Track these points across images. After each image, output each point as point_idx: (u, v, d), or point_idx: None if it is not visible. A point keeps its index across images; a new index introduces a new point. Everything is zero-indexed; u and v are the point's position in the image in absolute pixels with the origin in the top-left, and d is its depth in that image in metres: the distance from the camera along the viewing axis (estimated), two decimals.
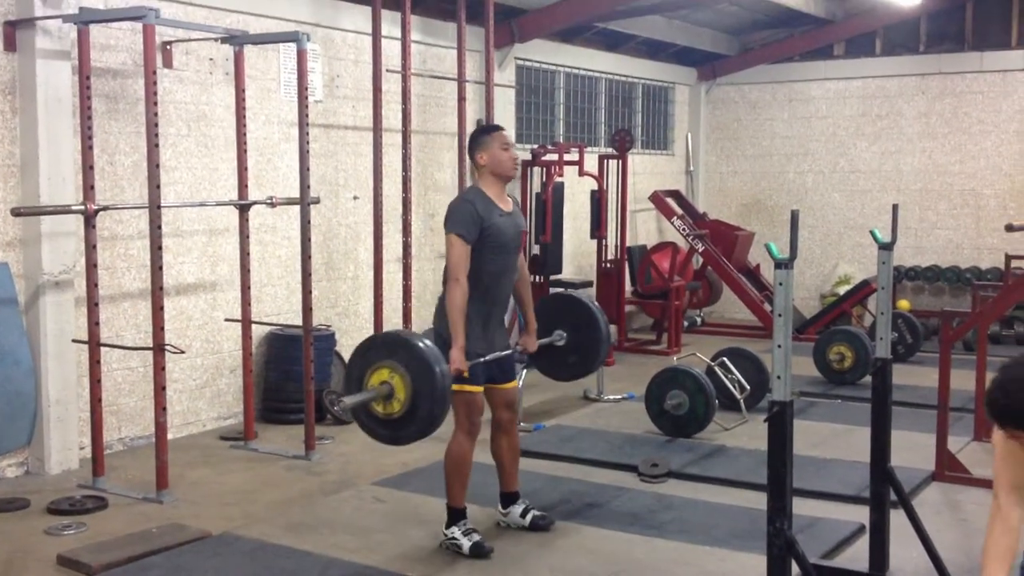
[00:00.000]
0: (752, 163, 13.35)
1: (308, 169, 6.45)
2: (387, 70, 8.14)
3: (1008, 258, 10.50)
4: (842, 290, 11.88)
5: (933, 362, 6.79)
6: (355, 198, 8.39)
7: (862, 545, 4.80)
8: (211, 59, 7.17)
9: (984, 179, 11.92)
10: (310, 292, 6.56)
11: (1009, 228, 9.74)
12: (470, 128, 8.89)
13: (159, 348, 5.64)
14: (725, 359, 7.59)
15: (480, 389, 4.86)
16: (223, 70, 7.19)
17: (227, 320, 7.15)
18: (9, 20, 5.96)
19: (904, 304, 11.47)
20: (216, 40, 6.85)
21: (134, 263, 6.68)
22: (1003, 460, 3.05)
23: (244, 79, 6.65)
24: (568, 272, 10.69)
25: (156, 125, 5.59)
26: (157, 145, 5.61)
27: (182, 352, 6.20)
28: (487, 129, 5.04)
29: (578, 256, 11.10)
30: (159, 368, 5.66)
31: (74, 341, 6.11)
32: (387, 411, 4.36)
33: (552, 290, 9.94)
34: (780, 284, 3.32)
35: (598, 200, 10.37)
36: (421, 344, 4.35)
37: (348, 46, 8.32)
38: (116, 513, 5.43)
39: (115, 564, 4.65)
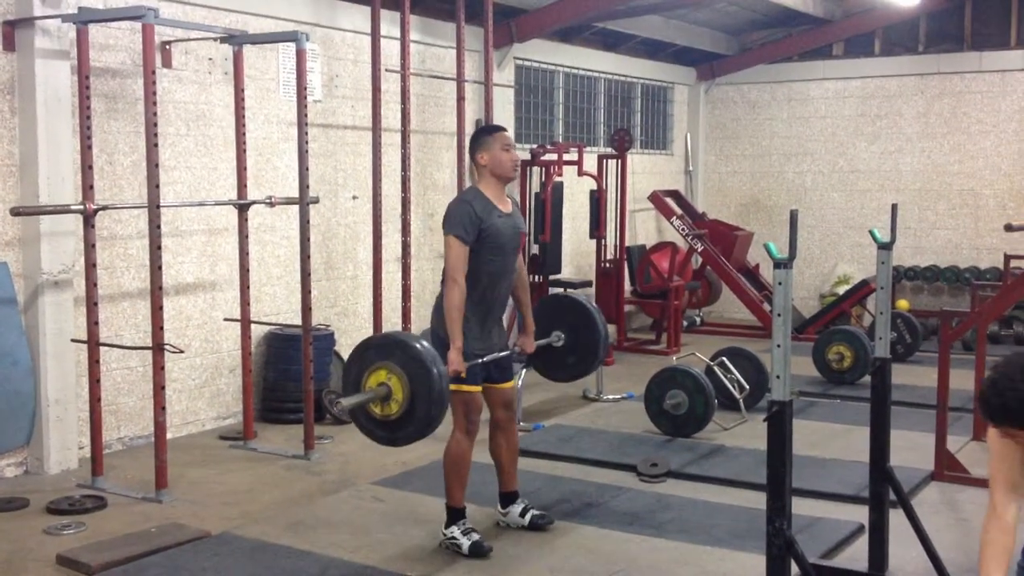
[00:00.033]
0: (751, 163, 13.35)
1: (307, 169, 6.45)
2: (386, 70, 8.14)
3: (1007, 258, 10.50)
4: (841, 290, 11.88)
5: (932, 362, 6.80)
6: (354, 198, 8.39)
7: (861, 545, 4.80)
8: (210, 59, 7.17)
9: (983, 179, 11.93)
10: (309, 292, 6.56)
11: (1008, 228, 9.75)
12: (469, 128, 8.91)
13: (158, 348, 5.64)
14: (724, 359, 7.60)
15: (478, 389, 4.86)
16: (222, 70, 7.19)
17: (226, 320, 7.15)
18: (8, 20, 5.96)
19: (903, 304, 11.48)
20: (215, 40, 6.85)
21: (133, 263, 6.68)
22: (998, 459, 3.05)
23: (243, 79, 6.65)
24: (567, 272, 10.69)
25: (155, 125, 5.59)
26: (156, 145, 5.61)
27: (181, 352, 6.21)
28: (489, 129, 5.04)
29: (577, 256, 11.10)
30: (158, 368, 5.66)
31: (73, 341, 6.11)
32: (385, 412, 4.36)
33: (551, 290, 9.94)
34: (779, 284, 3.32)
35: (597, 200, 10.37)
36: (418, 345, 4.35)
37: (347, 46, 8.32)
38: (115, 513, 5.42)
39: (114, 564, 4.65)
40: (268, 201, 6.85)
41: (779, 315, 3.33)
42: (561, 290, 10.00)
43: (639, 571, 4.68)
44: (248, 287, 6.75)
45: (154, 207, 5.61)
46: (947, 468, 5.99)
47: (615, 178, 10.71)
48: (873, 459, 4.40)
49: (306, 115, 6.42)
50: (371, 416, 4.41)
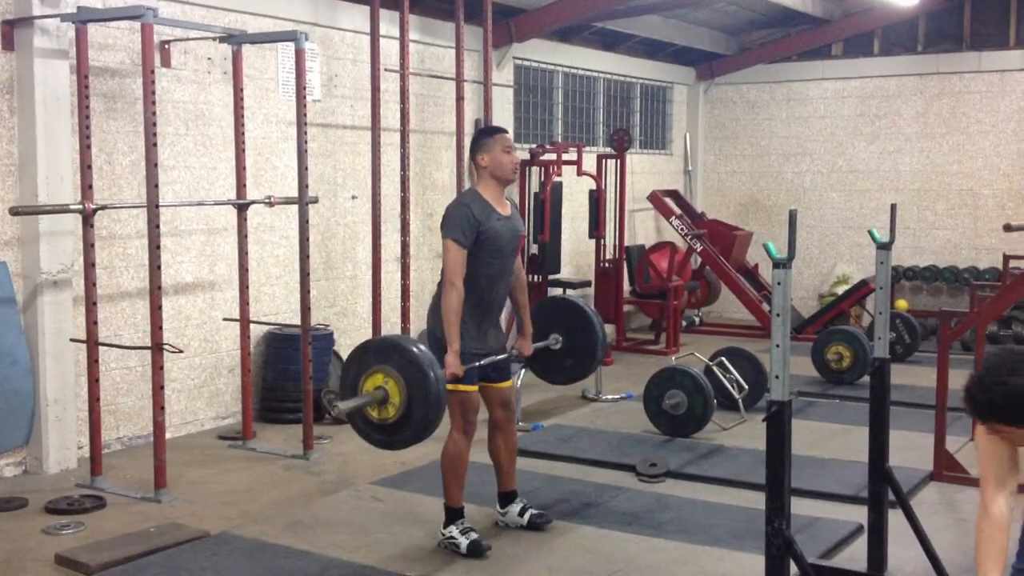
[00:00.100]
0: (750, 163, 13.36)
1: (306, 168, 6.45)
2: (385, 69, 8.14)
3: (1006, 258, 10.51)
4: (840, 290, 11.88)
5: (931, 362, 6.79)
6: (353, 197, 8.39)
7: (860, 545, 4.80)
8: (209, 58, 7.17)
9: (982, 179, 11.93)
10: (308, 291, 6.55)
11: (1007, 228, 9.75)
12: (468, 128, 8.93)
13: (157, 347, 5.64)
14: (723, 359, 7.60)
15: (474, 388, 4.86)
16: (221, 69, 7.19)
17: (225, 319, 7.15)
18: (7, 19, 5.96)
19: (902, 304, 11.48)
20: (214, 39, 6.85)
21: (132, 262, 6.68)
22: (987, 456, 3.05)
23: (242, 78, 6.65)
24: (566, 272, 10.69)
25: (154, 124, 5.59)
26: (155, 144, 5.60)
27: (180, 351, 6.20)
28: (489, 131, 5.03)
29: (576, 256, 11.10)
30: (157, 367, 5.66)
31: (72, 340, 6.11)
32: (382, 416, 4.37)
33: (550, 290, 9.95)
34: (778, 284, 3.32)
35: (596, 200, 10.37)
36: (415, 349, 4.35)
37: (346, 45, 8.32)
38: (114, 512, 5.42)
39: (113, 563, 4.65)
40: (267, 201, 6.85)
41: (778, 315, 3.33)
42: (560, 290, 10.01)
43: (638, 571, 4.68)
44: (247, 287, 6.75)
45: (153, 207, 5.61)
46: (946, 468, 6.00)
47: (614, 178, 10.71)
48: (872, 459, 4.40)
49: (305, 115, 6.42)
50: (368, 420, 4.41)
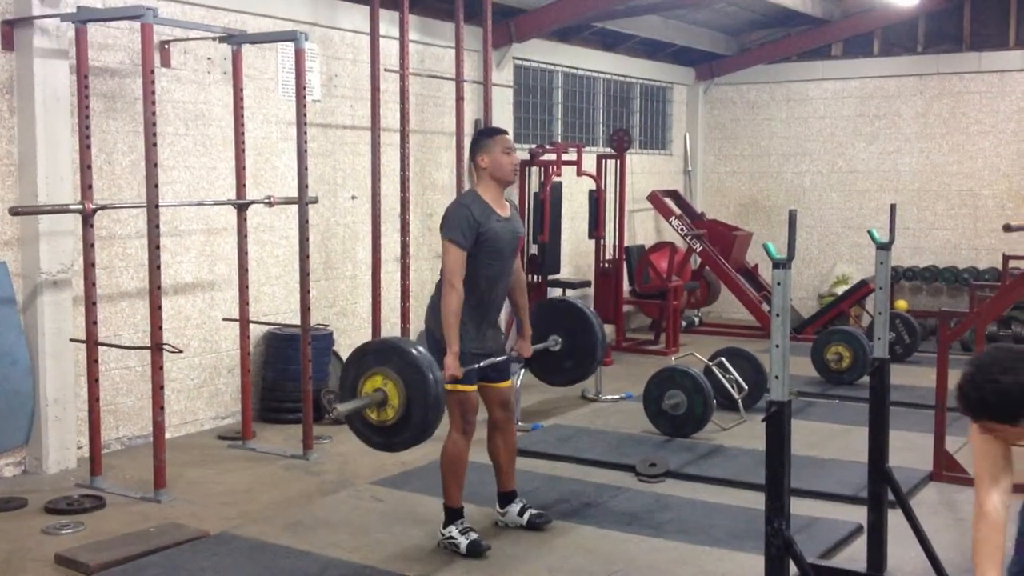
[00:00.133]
0: (750, 163, 13.36)
1: (306, 168, 6.45)
2: (385, 69, 8.14)
3: (1006, 258, 10.52)
4: (840, 290, 11.88)
5: (931, 362, 6.79)
6: (353, 198, 8.39)
7: (860, 545, 4.81)
8: (209, 58, 7.17)
9: (982, 179, 11.93)
10: (308, 291, 6.55)
11: (1007, 228, 9.76)
12: (468, 128, 8.93)
13: (157, 347, 5.64)
14: (723, 359, 7.60)
15: (473, 388, 4.86)
16: (221, 69, 7.19)
17: (225, 319, 7.15)
18: (7, 19, 5.96)
19: (902, 304, 11.48)
20: (214, 39, 6.85)
21: (132, 262, 6.68)
22: (981, 456, 3.05)
23: (242, 78, 6.65)
24: (566, 272, 10.69)
25: (154, 124, 5.59)
26: (155, 144, 5.60)
27: (180, 351, 6.20)
28: (489, 132, 5.03)
29: (576, 256, 11.10)
30: (157, 367, 5.66)
31: (72, 340, 6.11)
32: (381, 418, 4.37)
33: (550, 290, 9.95)
34: (778, 284, 3.32)
35: (596, 200, 10.37)
36: (414, 351, 4.36)
37: (346, 45, 8.32)
38: (114, 512, 5.42)
39: (113, 563, 4.65)
40: (267, 201, 6.85)
41: (778, 315, 3.33)
42: (560, 290, 10.01)
43: (638, 571, 4.68)
44: (247, 287, 6.75)
45: (153, 207, 5.61)
46: (946, 468, 6.00)
47: (614, 178, 10.72)
48: (872, 459, 4.40)
49: (305, 115, 6.42)
50: (367, 422, 4.41)
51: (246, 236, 6.73)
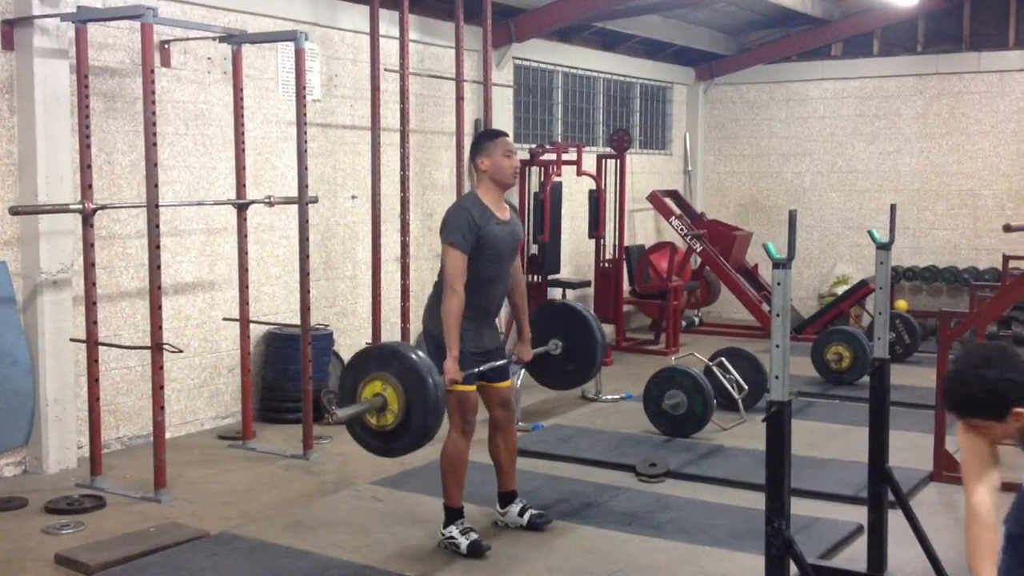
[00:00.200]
0: (750, 163, 13.36)
1: (306, 168, 6.45)
2: (385, 69, 8.14)
3: (1006, 258, 10.52)
4: (840, 290, 11.89)
5: (931, 362, 6.80)
6: (353, 197, 8.39)
7: (860, 545, 4.80)
8: (209, 58, 7.16)
9: (982, 179, 11.93)
10: (308, 291, 6.55)
11: (1007, 228, 9.77)
12: (468, 128, 8.93)
13: (157, 347, 5.64)
14: (723, 359, 7.60)
15: (472, 388, 4.86)
16: (221, 69, 7.19)
17: (225, 319, 7.15)
18: (7, 19, 5.96)
19: (902, 304, 11.48)
20: (214, 39, 6.85)
21: (132, 262, 6.68)
22: (968, 456, 3.06)
23: (242, 78, 6.65)
24: (566, 272, 10.69)
25: (154, 124, 5.59)
26: (155, 144, 5.60)
27: (180, 351, 6.20)
28: (490, 134, 5.02)
29: (576, 256, 11.10)
30: (157, 367, 5.66)
31: (72, 340, 6.11)
32: (381, 423, 4.38)
33: (550, 290, 9.95)
34: (778, 284, 3.32)
35: (596, 200, 10.37)
36: (414, 356, 4.36)
37: (346, 45, 8.32)
38: (114, 512, 5.42)
39: (113, 563, 4.65)
40: (267, 201, 6.85)
41: (778, 315, 3.33)
42: (560, 290, 10.01)
43: (638, 571, 4.68)
44: (247, 287, 6.75)
45: (153, 206, 5.61)
46: (946, 469, 6.00)
47: (614, 178, 10.71)
48: (872, 459, 4.40)
49: (305, 114, 6.42)
50: (367, 427, 4.42)
51: (246, 236, 6.73)
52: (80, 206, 5.76)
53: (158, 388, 5.67)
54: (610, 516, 5.38)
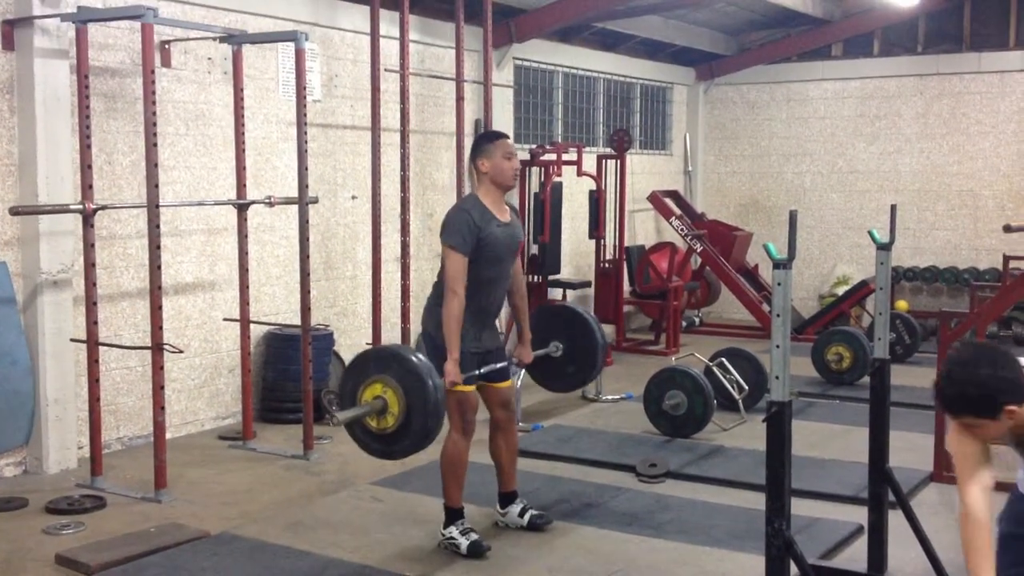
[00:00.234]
0: (750, 163, 13.36)
1: (306, 169, 6.45)
2: (385, 70, 8.14)
3: (1006, 259, 10.52)
4: (840, 290, 11.88)
5: (931, 363, 6.81)
6: (353, 198, 8.39)
7: (860, 545, 4.80)
8: (209, 58, 7.17)
9: (982, 180, 11.93)
10: (308, 292, 6.55)
11: (1007, 229, 9.76)
12: (468, 128, 8.93)
13: (157, 347, 5.64)
14: (723, 359, 7.60)
15: (472, 388, 4.86)
16: (221, 69, 7.19)
17: (225, 320, 7.15)
18: (7, 19, 5.96)
19: (902, 304, 11.48)
20: (214, 39, 6.85)
21: (132, 262, 6.68)
22: (961, 457, 3.06)
23: (242, 78, 6.65)
24: (566, 272, 10.69)
25: (154, 124, 5.59)
26: (155, 144, 5.60)
27: (180, 352, 6.20)
28: (490, 136, 5.01)
29: (576, 256, 11.10)
30: (157, 367, 5.66)
31: (72, 340, 6.11)
32: (381, 426, 4.38)
33: (550, 290, 9.95)
34: (778, 284, 3.32)
35: (596, 200, 10.37)
36: (414, 358, 4.36)
37: (346, 45, 8.32)
38: (114, 513, 5.42)
39: (113, 563, 4.65)
40: (267, 201, 6.85)
41: (778, 316, 3.33)
42: (560, 290, 10.01)
43: (638, 571, 4.68)
44: (247, 287, 6.75)
45: (153, 207, 5.61)
46: (946, 469, 5.99)
47: (614, 178, 10.71)
48: (872, 460, 4.40)
49: (305, 115, 6.42)
50: (367, 429, 4.43)
51: (246, 236, 6.73)
52: (80, 206, 5.76)
53: (158, 388, 5.67)
54: (610, 516, 5.38)
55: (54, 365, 6.08)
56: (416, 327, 8.03)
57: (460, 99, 8.67)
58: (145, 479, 5.83)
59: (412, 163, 8.43)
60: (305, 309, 6.53)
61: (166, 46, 6.84)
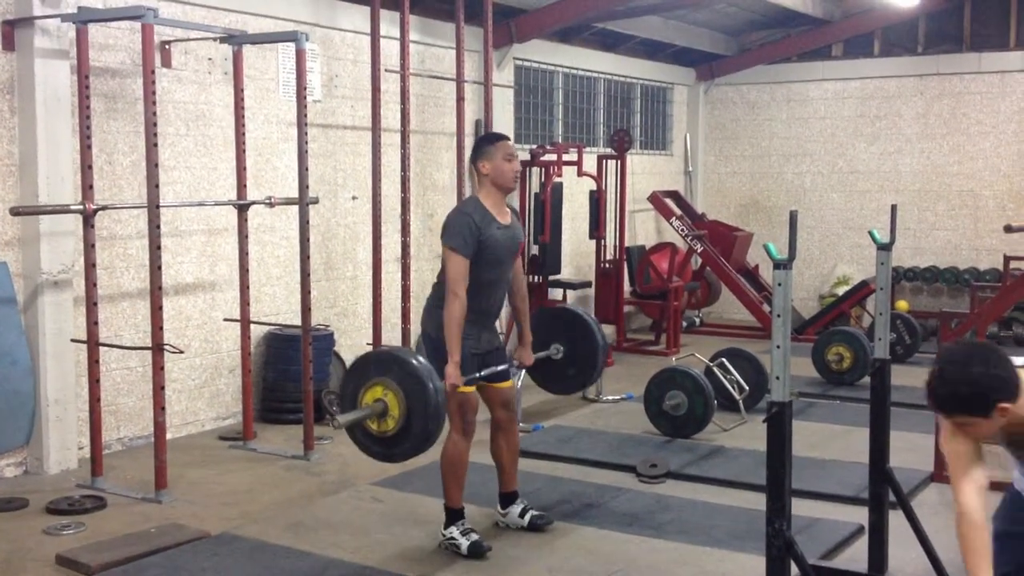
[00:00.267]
0: (750, 163, 13.36)
1: (307, 169, 6.45)
2: (386, 70, 8.14)
3: (1006, 259, 10.52)
4: (841, 291, 11.88)
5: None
6: (354, 198, 8.39)
7: (861, 546, 4.80)
8: (210, 59, 7.17)
9: (982, 180, 11.93)
10: (309, 292, 6.56)
11: (1007, 229, 9.75)
12: (469, 128, 8.93)
13: (158, 348, 5.64)
14: (724, 360, 7.60)
15: (472, 388, 4.85)
16: (222, 70, 7.19)
17: (226, 320, 7.15)
18: (8, 19, 5.96)
19: (902, 305, 11.48)
20: (215, 40, 6.85)
21: (133, 263, 6.68)
22: (954, 457, 3.07)
23: (243, 79, 6.65)
24: (567, 273, 10.69)
25: (155, 125, 5.59)
26: (156, 145, 5.61)
27: (181, 352, 6.20)
28: (491, 138, 5.01)
29: (577, 256, 11.10)
30: (158, 368, 5.66)
31: (73, 341, 6.11)
32: (381, 429, 4.39)
33: (551, 290, 9.95)
34: (779, 285, 3.32)
35: (597, 200, 10.37)
36: (414, 361, 4.36)
37: (347, 46, 8.32)
38: (115, 513, 5.42)
39: (114, 564, 4.65)
40: (268, 201, 6.85)
41: (779, 316, 3.33)
42: (560, 291, 10.01)
43: (638, 571, 4.68)
44: (248, 287, 6.75)
45: (154, 207, 5.61)
46: (946, 469, 5.97)
47: (615, 179, 10.71)
48: (872, 460, 4.40)
49: (306, 115, 6.42)
50: (368, 432, 4.43)
51: (247, 236, 6.73)
52: (81, 207, 5.76)
53: (159, 389, 5.68)
54: (611, 517, 5.39)
55: (54, 365, 6.08)
56: (416, 327, 8.03)
57: (460, 99, 8.67)
58: (145, 479, 5.83)
59: (412, 163, 8.43)
60: (305, 309, 6.53)
61: (166, 46, 6.85)
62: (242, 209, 6.71)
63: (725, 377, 7.47)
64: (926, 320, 10.63)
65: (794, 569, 3.45)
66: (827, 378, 8.70)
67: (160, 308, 5.65)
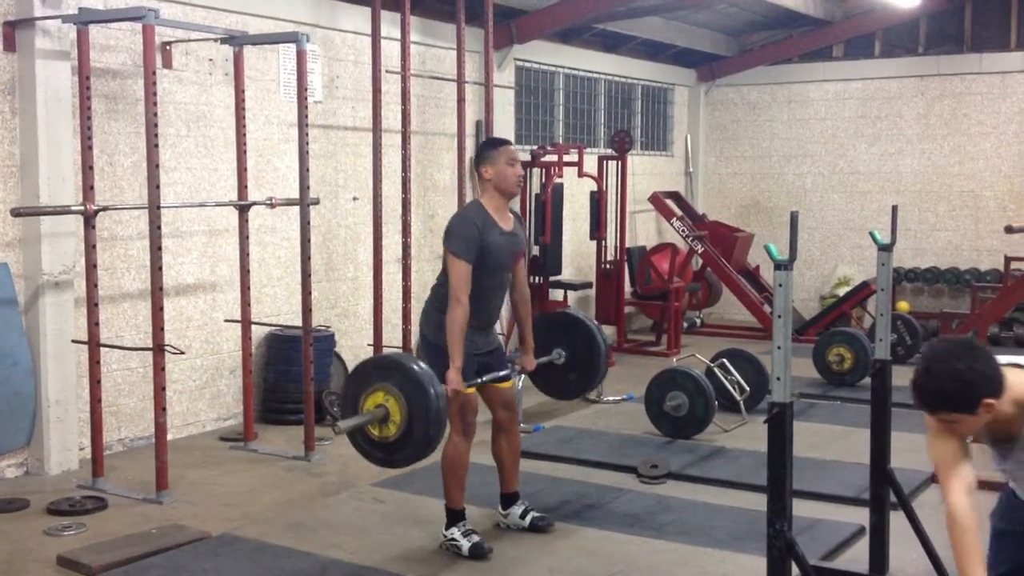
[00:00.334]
0: (751, 164, 13.36)
1: (308, 170, 6.45)
2: (386, 71, 8.14)
3: (1007, 260, 10.53)
4: (842, 291, 11.88)
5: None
6: (355, 199, 8.39)
7: (862, 547, 4.80)
8: (211, 59, 7.17)
9: (983, 181, 11.93)
10: (310, 293, 6.56)
11: (1008, 230, 9.77)
12: (470, 129, 8.94)
13: (159, 349, 5.64)
14: (724, 360, 7.60)
15: (472, 390, 4.85)
16: (223, 71, 7.19)
17: (227, 321, 7.15)
18: (9, 20, 5.96)
19: (903, 305, 11.48)
20: (215, 40, 6.85)
21: (134, 263, 6.68)
22: (940, 456, 3.06)
23: (243, 80, 6.65)
24: (567, 273, 10.69)
25: (156, 125, 5.60)
26: (157, 145, 5.61)
27: (182, 353, 6.20)
28: (493, 143, 5.01)
29: (577, 257, 11.10)
30: (159, 369, 5.66)
31: (74, 341, 6.11)
32: (383, 434, 4.37)
33: (551, 291, 9.95)
34: (780, 285, 3.32)
35: (597, 201, 10.38)
36: (415, 367, 4.36)
37: (347, 47, 8.33)
38: (116, 514, 5.42)
39: (115, 565, 4.65)
40: (269, 202, 6.85)
41: (779, 317, 3.33)
42: (561, 291, 10.01)
43: (639, 572, 4.68)
44: (248, 288, 6.76)
45: (154, 208, 5.61)
46: None
47: (615, 179, 10.71)
48: (873, 461, 4.40)
49: (306, 116, 6.42)
50: (369, 437, 4.42)
51: (248, 237, 6.74)
52: (82, 207, 5.76)
53: (160, 389, 5.68)
54: (612, 518, 5.39)
55: (55, 366, 6.09)
56: (416, 328, 8.03)
57: (461, 100, 8.67)
58: (146, 480, 5.83)
59: (413, 164, 8.43)
60: (306, 310, 6.53)
61: (167, 47, 6.85)
62: (243, 210, 6.71)
63: (726, 378, 7.47)
64: (927, 321, 10.63)
65: (795, 570, 3.45)
66: (828, 379, 8.70)
67: (161, 309, 5.66)
